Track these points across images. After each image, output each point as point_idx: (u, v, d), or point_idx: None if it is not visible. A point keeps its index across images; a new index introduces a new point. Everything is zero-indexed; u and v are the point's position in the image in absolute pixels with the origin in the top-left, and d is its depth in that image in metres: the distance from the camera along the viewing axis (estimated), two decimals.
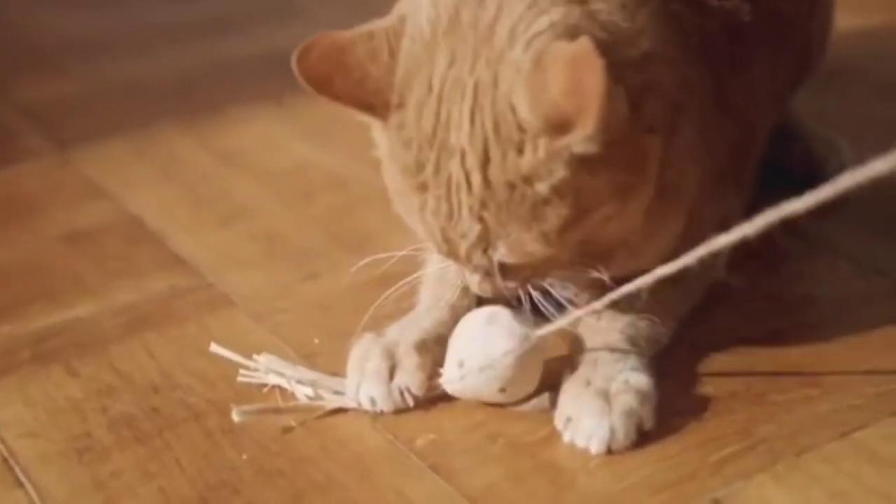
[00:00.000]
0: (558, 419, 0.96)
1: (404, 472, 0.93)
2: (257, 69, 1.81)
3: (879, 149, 0.71)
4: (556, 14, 0.88)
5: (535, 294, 0.97)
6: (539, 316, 0.99)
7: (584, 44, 0.83)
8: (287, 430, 0.99)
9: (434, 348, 1.01)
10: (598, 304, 0.96)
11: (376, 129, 0.95)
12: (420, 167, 0.91)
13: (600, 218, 0.90)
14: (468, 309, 1.03)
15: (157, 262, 1.30)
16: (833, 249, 1.20)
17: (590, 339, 1.00)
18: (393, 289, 1.04)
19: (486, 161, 0.87)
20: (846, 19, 1.41)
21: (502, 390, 0.97)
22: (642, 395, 0.94)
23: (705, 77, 1.00)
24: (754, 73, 1.09)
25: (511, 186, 0.88)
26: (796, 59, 1.24)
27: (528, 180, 0.87)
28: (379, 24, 0.93)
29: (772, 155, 1.23)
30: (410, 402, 0.99)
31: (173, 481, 0.95)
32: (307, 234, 1.34)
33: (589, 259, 0.94)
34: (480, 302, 1.02)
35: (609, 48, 0.85)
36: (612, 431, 0.92)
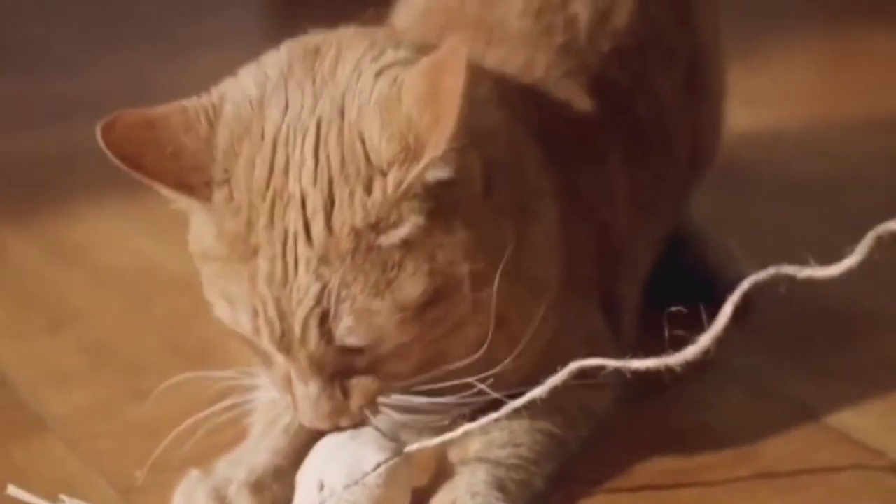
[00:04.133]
0: None
1: None
2: (107, 159, 1.65)
3: (776, 256, 0.69)
4: (403, 52, 0.84)
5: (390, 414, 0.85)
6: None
7: (455, 43, 0.78)
8: None
9: (272, 485, 0.88)
10: (471, 426, 0.85)
11: (195, 219, 0.85)
12: (250, 227, 0.80)
13: (458, 300, 0.81)
14: (310, 436, 0.89)
15: None
16: (725, 371, 1.07)
17: (452, 476, 0.87)
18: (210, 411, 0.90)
19: (330, 204, 0.78)
20: (743, 113, 1.32)
21: None
22: None
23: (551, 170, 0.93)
24: (608, 170, 1.01)
25: (357, 235, 0.78)
26: (676, 165, 1.14)
27: (377, 227, 0.78)
28: (192, 101, 0.84)
29: (666, 260, 1.13)
30: None
31: None
32: (142, 343, 1.21)
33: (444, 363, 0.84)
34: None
35: None
36: None
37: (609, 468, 0.94)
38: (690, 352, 0.79)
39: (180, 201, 0.83)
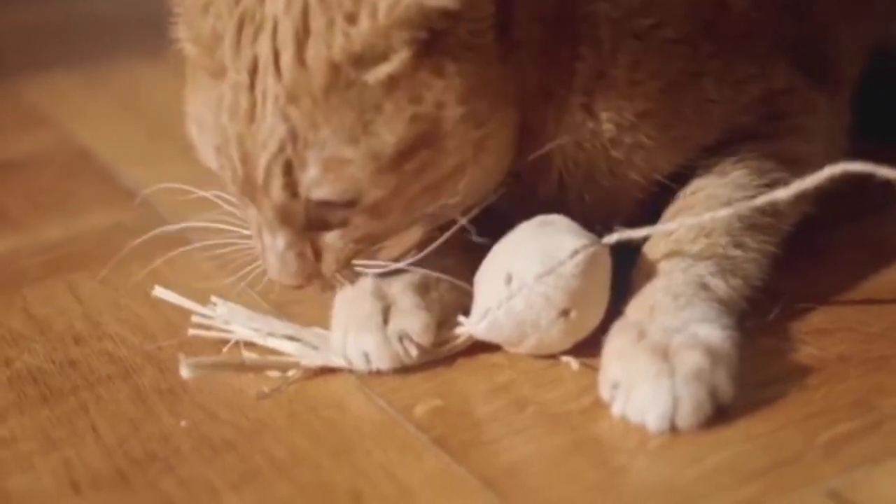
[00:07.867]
0: (603, 384, 0.72)
1: (398, 447, 0.71)
2: None
3: None
4: None
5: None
6: None
7: None
8: (242, 392, 0.77)
9: (439, 287, 0.79)
10: (687, 220, 0.77)
11: None
12: (216, 40, 0.73)
13: (447, 149, 0.73)
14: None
15: (101, 197, 1.11)
16: None
17: (645, 279, 0.78)
18: None
19: (303, 34, 0.71)
20: None
21: (565, 312, 0.74)
22: (715, 355, 0.71)
23: None
24: None
25: (335, 69, 0.70)
26: None
27: (359, 61, 0.70)
28: None
29: (869, 93, 1.02)
30: (413, 352, 0.76)
31: (83, 452, 0.73)
32: None
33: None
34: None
35: None
36: (676, 401, 0.69)
37: (828, 285, 0.84)
38: None
39: None
